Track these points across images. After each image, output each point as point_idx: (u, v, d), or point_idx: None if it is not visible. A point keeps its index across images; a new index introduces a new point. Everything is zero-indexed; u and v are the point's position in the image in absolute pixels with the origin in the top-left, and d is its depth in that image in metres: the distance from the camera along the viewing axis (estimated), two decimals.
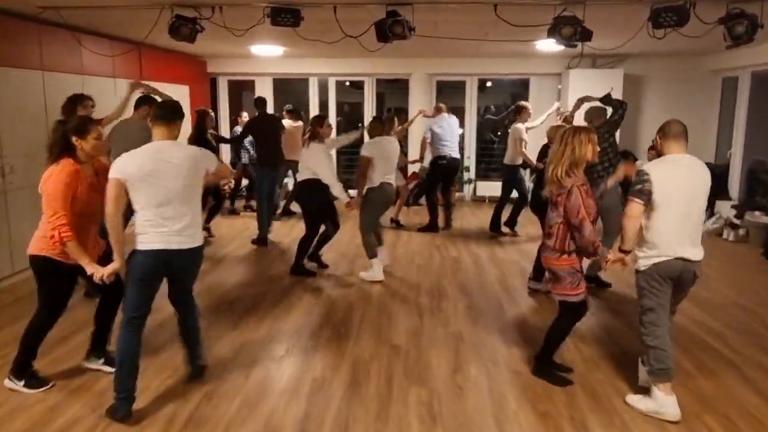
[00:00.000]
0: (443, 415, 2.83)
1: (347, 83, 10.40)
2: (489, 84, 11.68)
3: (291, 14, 4.08)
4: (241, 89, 10.14)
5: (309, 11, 4.22)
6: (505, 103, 9.07)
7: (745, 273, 5.29)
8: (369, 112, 8.98)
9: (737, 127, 7.35)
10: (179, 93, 7.20)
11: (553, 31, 4.00)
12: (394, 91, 11.79)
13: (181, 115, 2.83)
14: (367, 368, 3.32)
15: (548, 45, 6.43)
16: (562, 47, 4.57)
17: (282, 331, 3.86)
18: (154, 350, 3.44)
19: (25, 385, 3.02)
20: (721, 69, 7.67)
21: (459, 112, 9.20)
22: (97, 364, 3.23)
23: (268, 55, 7.98)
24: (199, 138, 5.76)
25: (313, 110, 9.23)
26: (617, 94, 7.68)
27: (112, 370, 2.88)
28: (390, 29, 4.03)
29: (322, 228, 5.13)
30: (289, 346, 3.62)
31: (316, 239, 5.10)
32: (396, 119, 5.95)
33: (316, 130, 4.86)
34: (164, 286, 2.92)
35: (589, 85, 7.68)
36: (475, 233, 6.85)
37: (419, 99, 8.70)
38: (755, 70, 6.99)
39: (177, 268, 2.83)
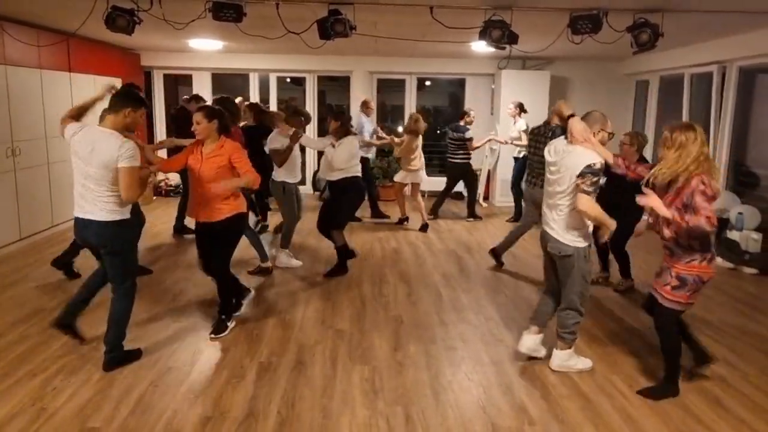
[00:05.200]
0: (384, 389, 3.03)
1: (287, 80, 10.39)
2: (428, 83, 12.04)
3: (233, 9, 4.13)
4: (176, 84, 9.89)
5: (252, 7, 4.29)
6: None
7: (651, 257, 5.87)
8: (311, 108, 9.05)
9: (648, 125, 8.08)
10: None
11: (484, 34, 4.31)
12: (334, 88, 11.89)
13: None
14: (312, 352, 3.47)
15: (481, 46, 6.80)
16: (492, 49, 4.91)
17: None
18: (96, 337, 3.42)
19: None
20: (634, 73, 8.39)
21: (400, 110, 9.49)
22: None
23: (207, 50, 7.88)
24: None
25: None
26: (544, 95, 8.31)
27: None
28: (332, 27, 4.18)
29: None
30: (234, 334, 3.70)
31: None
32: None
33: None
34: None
35: (520, 85, 8.23)
36: (414, 225, 7.12)
37: (360, 97, 8.87)
38: (663, 74, 7.72)
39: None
